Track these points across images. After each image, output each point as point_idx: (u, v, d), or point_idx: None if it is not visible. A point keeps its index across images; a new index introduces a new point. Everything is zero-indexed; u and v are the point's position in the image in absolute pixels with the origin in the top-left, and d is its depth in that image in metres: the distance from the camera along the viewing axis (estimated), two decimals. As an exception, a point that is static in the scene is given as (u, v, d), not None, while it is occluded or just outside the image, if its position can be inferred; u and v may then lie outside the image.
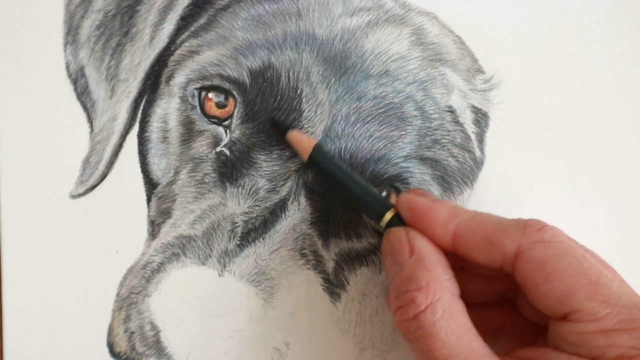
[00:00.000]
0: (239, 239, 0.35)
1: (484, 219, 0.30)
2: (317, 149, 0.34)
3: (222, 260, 0.35)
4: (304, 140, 0.34)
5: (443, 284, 0.29)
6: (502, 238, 0.29)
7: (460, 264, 0.32)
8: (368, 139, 0.36)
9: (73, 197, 0.38)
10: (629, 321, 0.26)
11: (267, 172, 0.36)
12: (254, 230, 0.36)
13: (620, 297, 0.27)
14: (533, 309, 0.31)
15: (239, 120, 0.36)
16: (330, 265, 0.36)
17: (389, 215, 0.32)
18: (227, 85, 0.36)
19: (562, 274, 0.27)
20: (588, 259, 0.28)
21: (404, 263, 0.30)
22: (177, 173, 0.37)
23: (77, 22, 0.38)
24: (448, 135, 0.37)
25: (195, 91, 0.37)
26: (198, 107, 0.37)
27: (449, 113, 0.37)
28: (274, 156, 0.36)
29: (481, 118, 0.37)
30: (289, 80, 0.36)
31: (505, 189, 0.37)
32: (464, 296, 0.30)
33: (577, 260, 0.28)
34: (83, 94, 0.38)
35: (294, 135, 0.34)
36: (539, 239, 0.28)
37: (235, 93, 0.36)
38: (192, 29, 0.37)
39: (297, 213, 0.36)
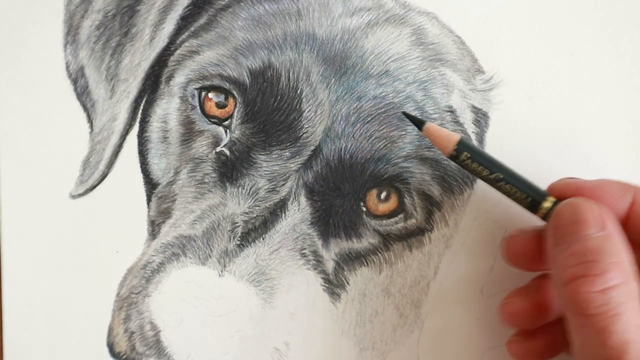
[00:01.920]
0: (239, 239, 0.35)
1: None
2: (462, 143, 0.33)
3: (222, 260, 0.35)
4: (443, 134, 0.33)
5: (632, 267, 0.28)
6: None
7: None
8: (368, 139, 0.36)
9: (73, 197, 0.38)
10: None
11: (267, 172, 0.36)
12: (254, 230, 0.36)
13: None
14: None
15: (239, 120, 0.36)
16: (330, 265, 0.36)
17: (549, 204, 0.31)
18: (227, 85, 0.36)
19: None
20: None
21: (589, 235, 0.29)
22: (177, 173, 0.37)
23: (77, 22, 0.38)
24: (448, 135, 0.36)
25: (195, 91, 0.37)
26: (198, 107, 0.37)
27: (449, 113, 0.37)
28: (274, 156, 0.36)
29: (481, 118, 0.37)
30: (289, 80, 0.36)
31: (506, 189, 0.37)
32: None
33: None
34: (83, 94, 0.38)
35: (432, 129, 0.33)
36: None
37: (235, 93, 0.36)
38: (192, 29, 0.37)
39: (297, 213, 0.36)
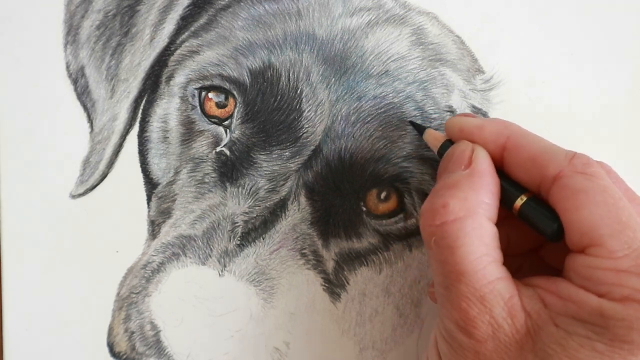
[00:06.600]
0: (239, 238, 0.36)
1: (535, 139, 0.30)
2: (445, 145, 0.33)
3: (222, 260, 0.35)
4: (437, 136, 0.34)
5: (481, 205, 0.28)
6: (547, 160, 0.29)
7: (506, 212, 0.31)
8: (368, 139, 0.36)
9: (73, 197, 0.38)
10: None
11: (267, 172, 0.36)
12: (254, 230, 0.36)
13: None
14: (556, 255, 0.31)
15: (239, 120, 0.36)
16: (330, 265, 0.37)
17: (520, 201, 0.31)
18: (227, 85, 0.36)
19: (594, 206, 0.27)
20: (624, 201, 0.27)
21: (455, 172, 0.30)
22: (177, 173, 0.37)
23: (77, 22, 0.38)
24: (448, 135, 0.37)
25: (196, 91, 0.37)
26: (198, 107, 0.37)
27: (449, 113, 0.37)
28: (274, 156, 0.36)
29: (481, 118, 0.38)
30: (289, 80, 0.36)
31: (505, 189, 0.37)
32: (506, 248, 0.29)
33: (613, 198, 0.27)
34: (83, 94, 0.38)
35: (429, 133, 0.34)
36: (582, 171, 0.28)
37: (235, 93, 0.36)
38: (192, 29, 0.37)
39: (297, 213, 0.36)
